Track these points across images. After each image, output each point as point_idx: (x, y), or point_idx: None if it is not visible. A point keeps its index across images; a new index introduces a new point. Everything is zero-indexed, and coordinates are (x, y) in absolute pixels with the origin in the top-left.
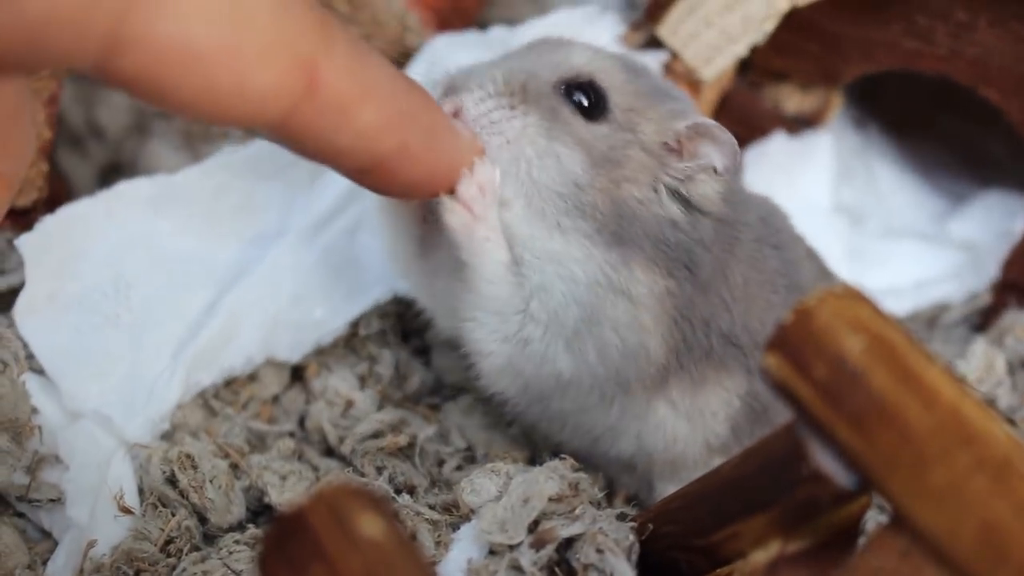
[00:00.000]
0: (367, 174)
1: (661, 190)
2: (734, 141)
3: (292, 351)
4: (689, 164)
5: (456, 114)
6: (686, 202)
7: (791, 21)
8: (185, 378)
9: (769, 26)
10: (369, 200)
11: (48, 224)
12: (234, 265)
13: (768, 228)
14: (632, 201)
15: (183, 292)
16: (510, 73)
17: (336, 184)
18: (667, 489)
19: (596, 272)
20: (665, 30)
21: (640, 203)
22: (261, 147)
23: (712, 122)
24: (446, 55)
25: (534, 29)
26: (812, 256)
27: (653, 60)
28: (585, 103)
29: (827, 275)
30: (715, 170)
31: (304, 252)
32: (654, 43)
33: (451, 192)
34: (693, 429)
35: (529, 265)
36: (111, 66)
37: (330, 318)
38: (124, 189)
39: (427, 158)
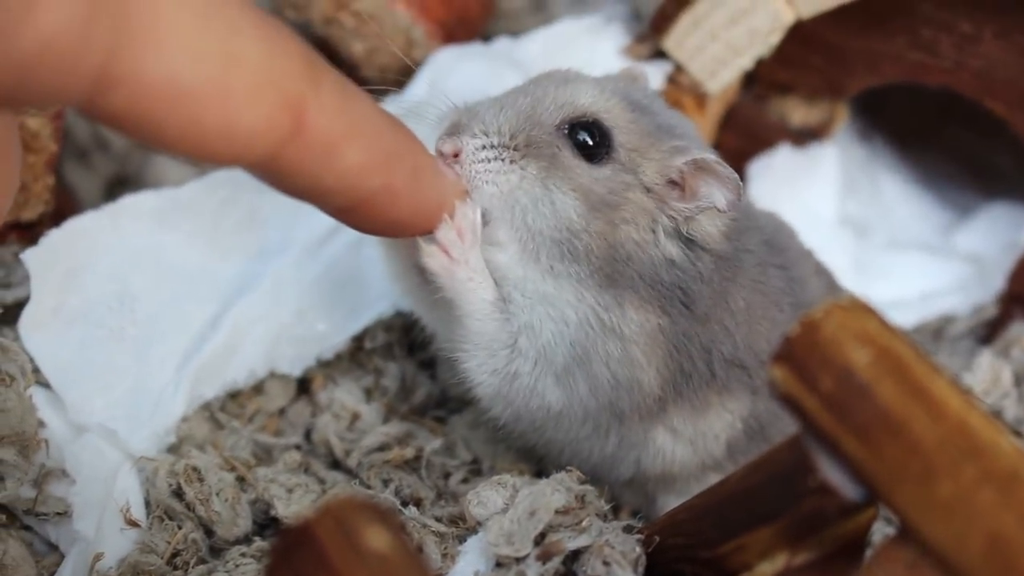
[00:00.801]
0: (350, 213)
1: (659, 231)
2: (735, 176)
3: (295, 365)
4: (690, 205)
5: (456, 155)
6: (687, 241)
7: (796, 34)
8: (190, 391)
9: (774, 39)
10: None
11: (54, 238)
12: (238, 279)
13: (772, 249)
14: (629, 243)
15: (188, 306)
16: (514, 119)
17: None
18: (668, 501)
19: (588, 313)
20: (671, 43)
21: (637, 245)
22: None
23: (713, 157)
24: (450, 68)
25: (538, 41)
26: (821, 272)
27: (658, 72)
28: (589, 142)
29: (836, 290)
30: (717, 208)
31: (308, 266)
32: (659, 55)
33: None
34: (695, 452)
35: (518, 304)
36: (100, 103)
37: (333, 332)
38: (129, 203)
39: (411, 198)
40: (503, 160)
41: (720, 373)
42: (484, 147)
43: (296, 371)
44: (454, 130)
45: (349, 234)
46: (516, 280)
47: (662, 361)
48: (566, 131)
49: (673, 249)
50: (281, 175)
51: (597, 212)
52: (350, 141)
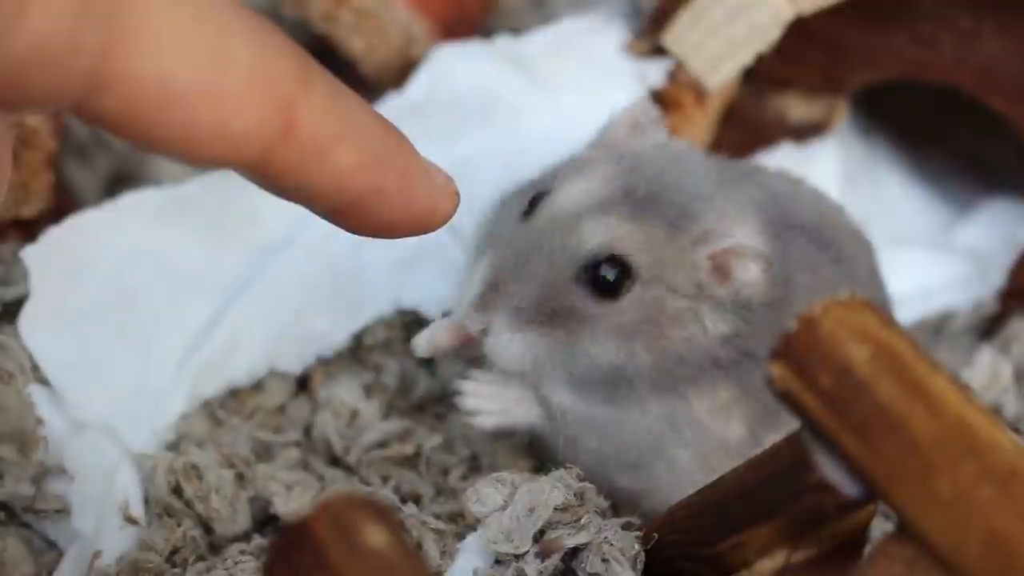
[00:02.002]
0: (342, 214)
1: (705, 319)
2: (760, 250)
3: (295, 363)
4: (728, 291)
5: (484, 333)
6: (736, 308)
7: (796, 29)
8: (190, 389)
9: (774, 35)
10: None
11: (53, 235)
12: (239, 277)
13: (820, 246)
14: (678, 344)
15: (188, 303)
16: (537, 291)
17: None
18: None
19: (654, 424)
20: (670, 39)
21: (686, 342)
22: None
23: (729, 239)
24: (451, 65)
25: (539, 38)
26: (868, 248)
27: (658, 69)
28: (610, 280)
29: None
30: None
31: (308, 264)
32: (659, 52)
33: (428, 228)
34: None
35: (582, 430)
36: (92, 104)
37: (333, 330)
38: (130, 200)
39: (402, 200)
40: (526, 332)
41: None
42: (510, 325)
43: (296, 369)
44: (483, 306)
45: (347, 233)
46: (579, 414)
47: (742, 413)
48: (585, 278)
49: (723, 326)
50: (271, 176)
51: (637, 336)
52: (341, 142)
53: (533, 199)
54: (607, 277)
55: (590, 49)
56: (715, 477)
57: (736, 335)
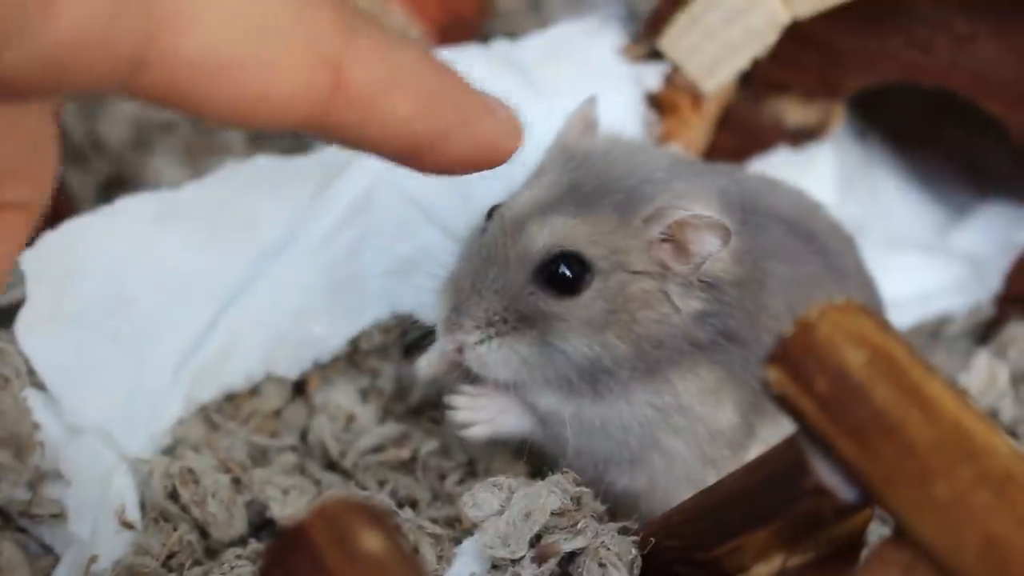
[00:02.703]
0: (407, 159)
1: (674, 297)
2: (714, 218)
3: (292, 368)
4: (689, 265)
5: (459, 350)
6: (704, 285)
7: (792, 33)
8: (187, 394)
9: (771, 38)
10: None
11: (49, 239)
12: (236, 282)
13: (799, 236)
14: (652, 326)
15: (185, 308)
16: (494, 299)
17: (340, 201)
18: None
19: (643, 410)
20: (666, 43)
21: (659, 323)
22: (264, 163)
23: (685, 213)
24: None
25: (536, 42)
26: (852, 245)
27: (655, 73)
28: (568, 276)
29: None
30: (713, 253)
31: (305, 269)
32: (655, 55)
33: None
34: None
35: (577, 432)
36: (136, 83)
37: (330, 335)
38: (126, 204)
39: (465, 138)
40: (497, 341)
41: None
42: (479, 340)
43: (293, 374)
44: (450, 327)
45: (348, 236)
46: (570, 415)
47: (732, 399)
48: (541, 280)
49: (694, 303)
50: (328, 131)
51: (608, 327)
52: (392, 91)
53: (489, 213)
54: (564, 273)
55: (586, 53)
56: (713, 470)
57: (710, 313)
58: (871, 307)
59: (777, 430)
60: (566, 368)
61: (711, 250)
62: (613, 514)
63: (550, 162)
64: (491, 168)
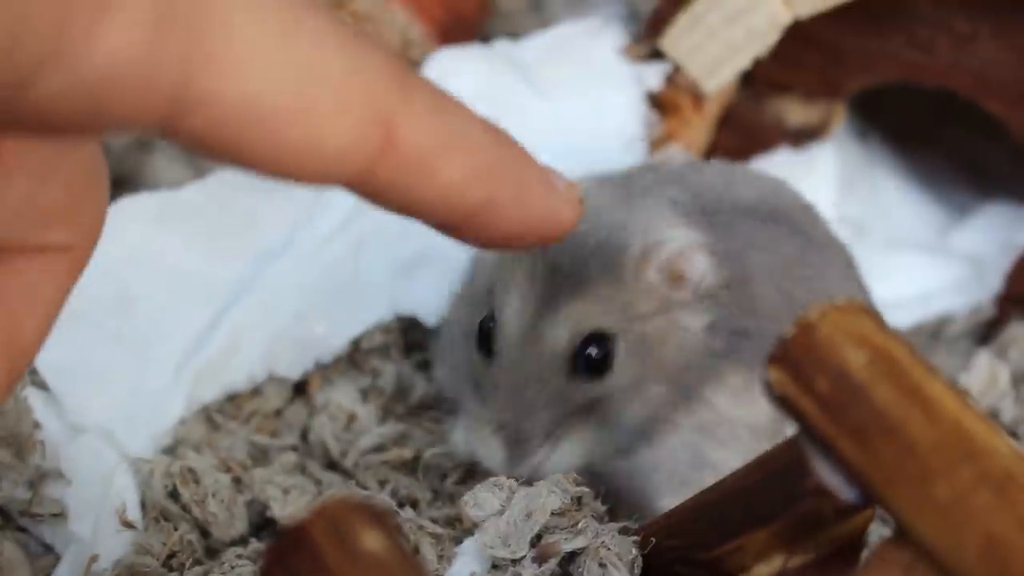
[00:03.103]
0: (455, 228)
1: (686, 323)
2: (693, 238)
3: (293, 368)
4: (689, 292)
5: (536, 471)
6: (701, 299)
7: (793, 33)
8: (188, 394)
9: (772, 38)
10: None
11: None
12: (237, 282)
13: (770, 220)
14: (678, 357)
15: (186, 308)
16: (539, 410)
17: (342, 202)
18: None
19: (690, 437)
20: (667, 43)
21: (680, 351)
22: None
23: (670, 247)
24: (450, 70)
25: (537, 42)
26: (815, 214)
27: (656, 72)
28: (597, 355)
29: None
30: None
31: (307, 269)
32: (657, 56)
33: (550, 238)
34: None
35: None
36: (179, 126)
37: (332, 335)
38: (127, 204)
39: (519, 210)
40: (570, 442)
41: None
42: (551, 452)
43: (295, 375)
44: (516, 460)
45: (350, 237)
46: (627, 474)
47: (761, 392)
48: (579, 372)
49: (703, 318)
50: (376, 192)
51: (644, 379)
52: (446, 155)
53: (481, 326)
54: (593, 355)
55: (588, 53)
56: None
57: (716, 321)
58: (849, 273)
59: None
60: (627, 439)
61: (703, 269)
62: (614, 514)
63: (509, 262)
64: (544, 243)
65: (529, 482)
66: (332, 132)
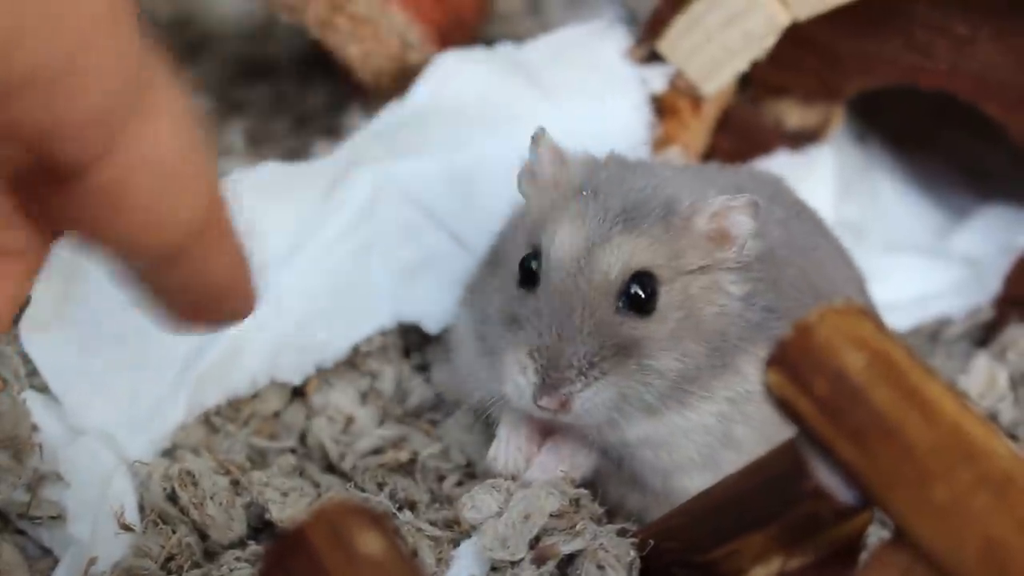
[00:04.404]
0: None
1: (727, 286)
2: (746, 197)
3: (295, 373)
4: (735, 251)
5: (564, 405)
6: (744, 267)
7: (791, 36)
8: (190, 398)
9: (769, 41)
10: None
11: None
12: None
13: (777, 204)
14: (715, 320)
15: None
16: (588, 341)
17: (345, 207)
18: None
19: (721, 407)
20: (666, 45)
21: (721, 315)
22: (270, 170)
23: (718, 203)
24: (452, 72)
25: (541, 45)
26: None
27: (660, 74)
28: (642, 296)
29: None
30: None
31: (310, 275)
32: (656, 58)
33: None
34: None
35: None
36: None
37: (333, 341)
38: None
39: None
40: (604, 381)
41: None
42: (589, 382)
43: (296, 379)
44: (552, 385)
45: (353, 244)
46: (660, 437)
47: None
48: (623, 306)
49: (743, 286)
50: (192, 259)
51: (684, 333)
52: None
53: (523, 264)
54: (640, 293)
55: (592, 55)
56: None
57: (753, 292)
58: (849, 264)
59: None
60: (661, 388)
61: (749, 229)
62: (612, 516)
63: (553, 200)
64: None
65: (526, 484)
66: (190, 203)
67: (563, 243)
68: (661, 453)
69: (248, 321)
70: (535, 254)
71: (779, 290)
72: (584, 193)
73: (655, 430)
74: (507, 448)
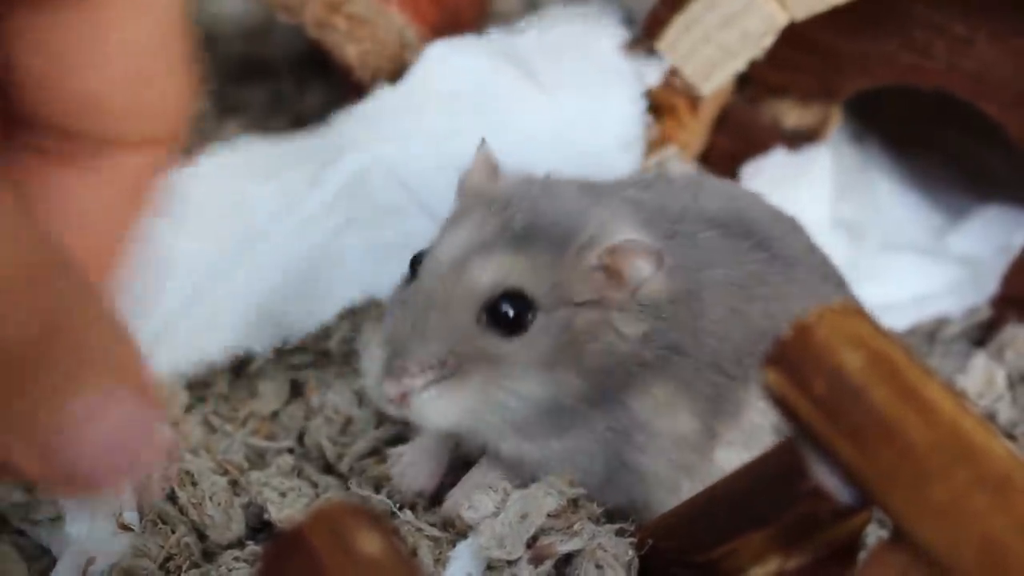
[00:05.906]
0: None
1: (618, 325)
2: (644, 242)
3: (267, 345)
4: (626, 292)
5: (403, 396)
6: (643, 307)
7: (789, 36)
8: (166, 366)
9: (767, 41)
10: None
11: None
12: (217, 261)
13: (734, 233)
14: (601, 356)
15: (168, 284)
16: (438, 342)
17: (332, 184)
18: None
19: (605, 436)
20: (664, 45)
21: (608, 353)
22: (255, 149)
23: (615, 241)
24: (445, 60)
25: (533, 33)
26: (795, 227)
27: (655, 69)
28: (511, 316)
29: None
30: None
31: (289, 249)
32: (653, 55)
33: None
34: (751, 451)
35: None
36: None
37: (304, 313)
38: None
39: None
40: (443, 385)
41: (740, 374)
42: (427, 383)
43: (266, 350)
44: (394, 372)
45: (335, 219)
46: (535, 458)
47: (687, 408)
48: (485, 321)
49: (637, 326)
50: None
51: (558, 363)
52: None
53: (413, 261)
54: (508, 313)
55: (587, 46)
56: (685, 475)
57: (652, 333)
58: (821, 289)
59: (737, 431)
60: (523, 410)
61: (644, 275)
62: (610, 515)
63: (467, 206)
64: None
65: (524, 484)
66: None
67: (445, 246)
68: (542, 473)
69: (225, 290)
70: (425, 252)
71: (696, 331)
72: (492, 208)
73: (531, 451)
74: (406, 465)
